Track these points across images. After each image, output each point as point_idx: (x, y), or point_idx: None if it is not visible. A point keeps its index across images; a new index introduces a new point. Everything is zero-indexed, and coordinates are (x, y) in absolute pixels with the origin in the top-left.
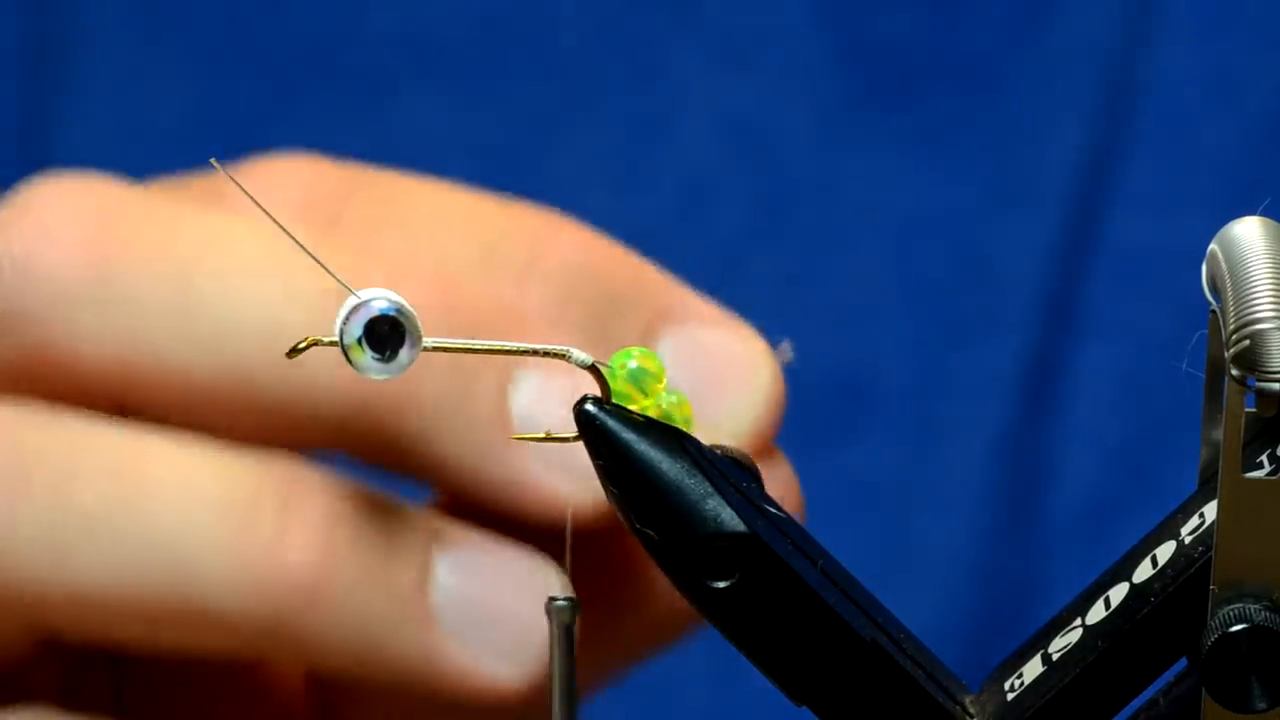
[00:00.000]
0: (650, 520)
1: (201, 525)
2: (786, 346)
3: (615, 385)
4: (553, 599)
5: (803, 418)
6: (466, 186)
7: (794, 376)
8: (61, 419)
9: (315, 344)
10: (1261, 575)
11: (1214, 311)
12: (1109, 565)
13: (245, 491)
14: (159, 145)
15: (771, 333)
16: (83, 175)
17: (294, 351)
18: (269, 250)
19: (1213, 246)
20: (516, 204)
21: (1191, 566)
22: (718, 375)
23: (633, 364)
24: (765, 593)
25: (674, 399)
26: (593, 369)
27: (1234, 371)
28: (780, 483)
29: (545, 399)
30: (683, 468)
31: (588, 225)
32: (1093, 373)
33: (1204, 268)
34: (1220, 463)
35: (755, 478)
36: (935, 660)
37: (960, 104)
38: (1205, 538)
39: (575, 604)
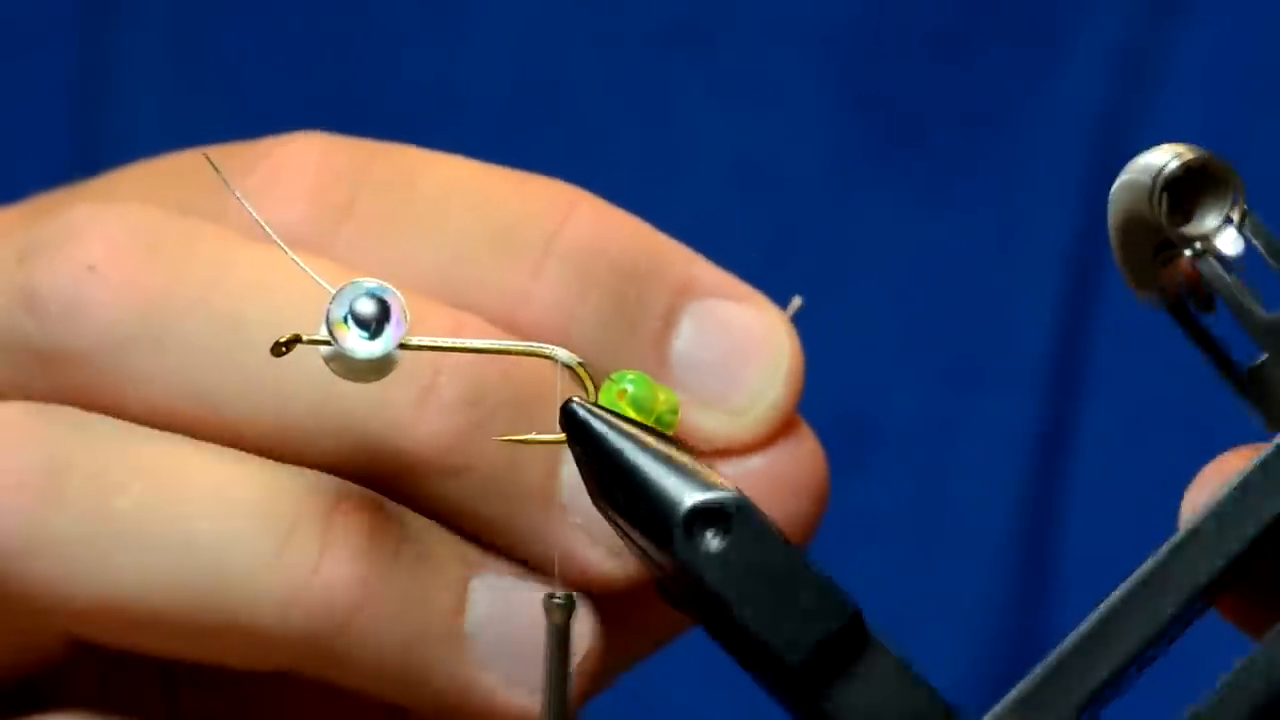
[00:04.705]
0: (641, 496)
1: (241, 538)
2: (797, 301)
3: (611, 402)
4: (550, 596)
5: None
6: (480, 163)
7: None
8: (96, 424)
9: (298, 339)
10: None
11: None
12: None
13: (287, 507)
14: None
15: None
16: (122, 204)
17: (277, 348)
18: (319, 294)
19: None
20: (532, 180)
21: None
22: (741, 351)
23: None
24: (756, 556)
25: (663, 398)
26: (578, 369)
27: None
28: (806, 455)
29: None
30: (669, 450)
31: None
32: (1101, 416)
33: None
34: None
35: None
36: None
37: (967, 150)
38: None
39: (571, 603)
